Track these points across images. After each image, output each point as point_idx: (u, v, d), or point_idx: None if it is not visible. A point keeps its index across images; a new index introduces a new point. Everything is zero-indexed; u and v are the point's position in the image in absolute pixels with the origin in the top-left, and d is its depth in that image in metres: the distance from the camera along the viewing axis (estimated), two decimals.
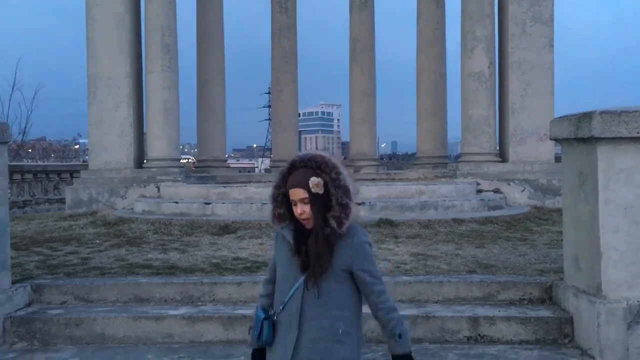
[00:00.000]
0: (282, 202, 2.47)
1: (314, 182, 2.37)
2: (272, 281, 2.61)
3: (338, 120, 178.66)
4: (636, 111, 4.14)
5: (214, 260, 6.04)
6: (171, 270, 5.66)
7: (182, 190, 10.11)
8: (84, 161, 28.02)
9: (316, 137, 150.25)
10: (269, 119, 62.71)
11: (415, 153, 16.06)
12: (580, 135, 4.33)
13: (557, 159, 11.31)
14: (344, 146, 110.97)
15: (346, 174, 2.45)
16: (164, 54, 11.25)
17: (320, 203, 2.38)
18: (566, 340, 4.44)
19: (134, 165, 11.47)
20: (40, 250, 6.93)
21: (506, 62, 11.25)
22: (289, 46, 14.73)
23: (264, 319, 2.47)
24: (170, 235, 7.76)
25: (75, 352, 4.47)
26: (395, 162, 40.87)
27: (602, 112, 4.16)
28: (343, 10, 15.36)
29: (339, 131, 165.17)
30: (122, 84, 11.38)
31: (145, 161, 11.82)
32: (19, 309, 4.88)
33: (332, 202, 2.38)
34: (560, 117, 4.73)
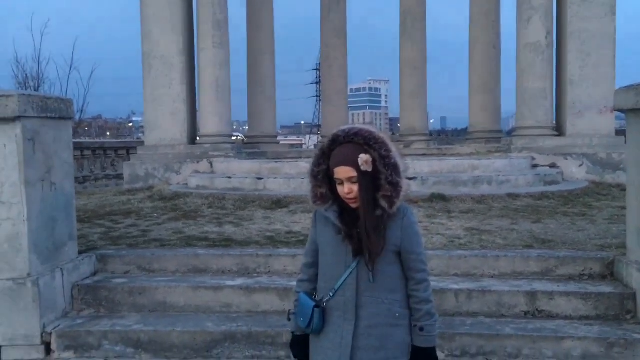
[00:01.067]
0: (323, 180, 2.33)
1: (364, 159, 2.21)
2: (313, 265, 2.49)
3: (386, 96, 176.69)
4: None
5: (268, 234, 6.15)
6: (227, 242, 5.80)
7: (235, 165, 10.27)
8: (137, 138, 28.80)
9: (364, 114, 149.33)
10: (316, 96, 62.65)
11: (465, 129, 15.77)
12: None
13: (618, 132, 10.88)
14: (392, 122, 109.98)
15: (395, 150, 2.30)
16: (215, 31, 11.36)
17: (368, 182, 2.24)
18: (628, 317, 4.32)
19: (187, 142, 11.71)
20: (102, 223, 7.21)
21: (564, 32, 10.82)
22: (339, 20, 14.60)
23: (315, 307, 2.35)
24: (225, 209, 7.92)
25: (139, 319, 4.66)
26: (445, 138, 40.24)
27: None
28: None
29: (386, 107, 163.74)
30: (175, 62, 11.58)
31: (198, 137, 12.06)
32: (86, 278, 5.11)
33: (381, 181, 2.24)
34: (625, 87, 4.55)
